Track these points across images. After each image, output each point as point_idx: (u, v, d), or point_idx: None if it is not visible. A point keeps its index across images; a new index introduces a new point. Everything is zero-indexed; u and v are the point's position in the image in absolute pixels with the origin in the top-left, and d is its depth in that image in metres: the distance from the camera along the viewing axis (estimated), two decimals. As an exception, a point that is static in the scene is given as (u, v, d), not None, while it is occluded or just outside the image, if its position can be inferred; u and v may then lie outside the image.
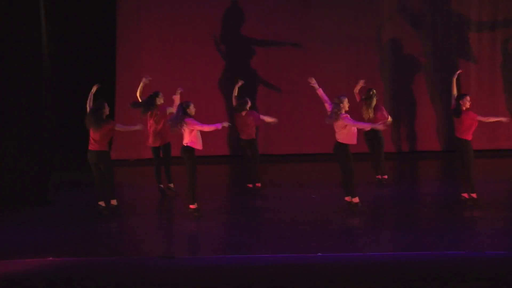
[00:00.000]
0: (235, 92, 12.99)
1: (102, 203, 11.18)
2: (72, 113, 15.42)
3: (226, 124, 10.83)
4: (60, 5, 15.44)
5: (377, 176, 13.07)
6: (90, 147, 11.10)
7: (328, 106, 10.79)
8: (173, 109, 11.69)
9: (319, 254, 8.61)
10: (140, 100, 12.55)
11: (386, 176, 13.09)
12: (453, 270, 7.95)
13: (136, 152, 16.85)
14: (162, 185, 12.74)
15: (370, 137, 12.93)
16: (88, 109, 11.21)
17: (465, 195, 11.19)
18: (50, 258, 8.63)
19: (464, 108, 10.97)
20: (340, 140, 10.65)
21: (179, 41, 17.32)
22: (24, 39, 11.93)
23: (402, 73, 17.28)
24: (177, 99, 11.83)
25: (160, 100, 12.39)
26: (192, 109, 10.80)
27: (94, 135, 11.04)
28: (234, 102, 12.91)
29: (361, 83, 13.18)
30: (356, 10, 17.17)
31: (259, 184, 12.76)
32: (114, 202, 11.29)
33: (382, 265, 8.23)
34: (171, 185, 12.70)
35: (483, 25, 17.19)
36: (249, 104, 12.66)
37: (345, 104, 10.60)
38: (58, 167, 14.55)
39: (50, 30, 13.06)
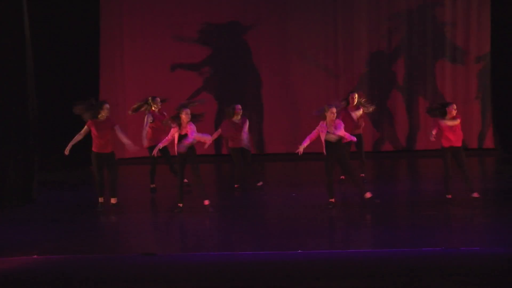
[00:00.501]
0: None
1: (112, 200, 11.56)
2: (57, 112, 15.52)
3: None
4: (43, 7, 15.49)
5: (361, 175, 13.33)
6: (104, 150, 11.32)
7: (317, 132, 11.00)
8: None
9: (300, 251, 8.77)
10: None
11: (363, 175, 13.40)
12: (430, 266, 8.09)
13: (120, 151, 16.92)
14: (154, 185, 12.85)
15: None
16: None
17: (476, 194, 11.46)
18: (35, 256, 8.67)
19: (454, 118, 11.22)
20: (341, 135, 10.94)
21: (162, 41, 17.42)
22: (7, 39, 11.92)
23: (379, 82, 17.52)
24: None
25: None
26: None
27: (101, 137, 11.27)
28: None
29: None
30: (335, 19, 17.42)
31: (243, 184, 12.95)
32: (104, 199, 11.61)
33: (362, 262, 8.29)
34: (185, 180, 12.60)
35: (457, 34, 17.42)
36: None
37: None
38: (43, 167, 14.61)
39: (34, 32, 13.08)
